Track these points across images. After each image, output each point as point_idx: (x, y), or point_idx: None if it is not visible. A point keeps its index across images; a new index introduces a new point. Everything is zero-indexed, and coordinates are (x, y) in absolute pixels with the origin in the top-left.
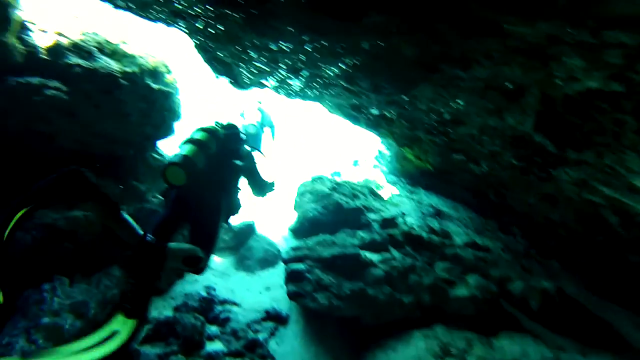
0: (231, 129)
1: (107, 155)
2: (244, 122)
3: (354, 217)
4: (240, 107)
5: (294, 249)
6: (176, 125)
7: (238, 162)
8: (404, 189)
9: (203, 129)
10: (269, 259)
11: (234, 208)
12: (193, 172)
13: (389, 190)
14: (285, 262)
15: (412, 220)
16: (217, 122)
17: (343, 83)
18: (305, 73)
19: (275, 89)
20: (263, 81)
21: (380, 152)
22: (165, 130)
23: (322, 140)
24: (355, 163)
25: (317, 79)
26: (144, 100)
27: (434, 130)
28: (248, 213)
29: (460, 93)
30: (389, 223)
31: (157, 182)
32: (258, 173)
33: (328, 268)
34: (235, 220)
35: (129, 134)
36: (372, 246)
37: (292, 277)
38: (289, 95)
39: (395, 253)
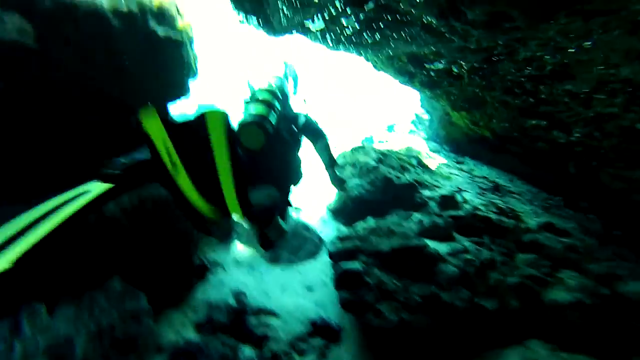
0: (281, 89)
1: (97, 123)
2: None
3: (407, 195)
4: (266, 61)
5: (342, 239)
6: (192, 84)
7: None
8: (449, 158)
9: (266, 90)
10: (307, 248)
11: (297, 177)
12: (270, 134)
13: (433, 160)
14: (334, 257)
15: (471, 197)
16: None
17: (430, 19)
18: (370, 5)
19: (320, 34)
20: (306, 22)
21: (417, 116)
22: (176, 89)
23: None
24: (390, 128)
25: (386, 15)
26: (146, 49)
27: (517, 89)
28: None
29: (599, 29)
30: (448, 202)
31: None
32: (317, 124)
33: (388, 266)
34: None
35: (128, 95)
36: (434, 233)
37: (345, 281)
38: (334, 43)
39: (465, 242)
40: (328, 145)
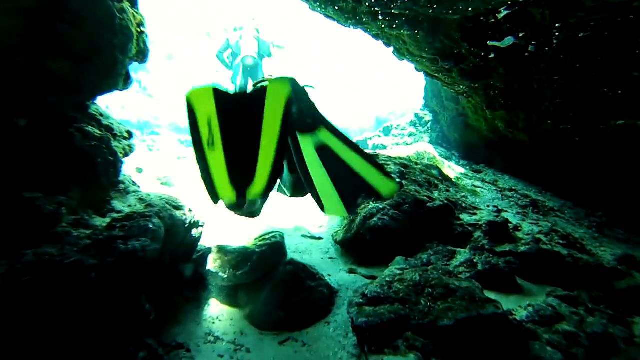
0: None
1: None
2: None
3: (442, 221)
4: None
5: (371, 299)
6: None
7: None
8: (464, 167)
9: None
10: (313, 304)
11: None
12: None
13: (452, 170)
14: (364, 337)
15: (518, 221)
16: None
17: None
18: None
19: None
20: None
21: (418, 117)
22: (103, 71)
23: (334, 99)
24: (387, 131)
25: None
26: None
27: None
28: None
29: None
30: (498, 231)
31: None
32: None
33: (451, 350)
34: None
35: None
36: (495, 281)
37: None
38: (345, 19)
39: (550, 300)
40: None
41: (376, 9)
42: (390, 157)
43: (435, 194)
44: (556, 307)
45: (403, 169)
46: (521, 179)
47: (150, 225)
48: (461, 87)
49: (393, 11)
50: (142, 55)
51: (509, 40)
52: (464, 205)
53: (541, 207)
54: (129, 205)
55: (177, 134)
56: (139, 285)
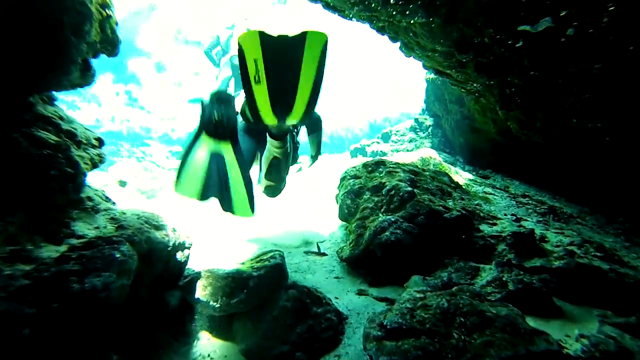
0: None
1: None
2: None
3: (461, 234)
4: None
5: (391, 330)
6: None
7: None
8: (471, 172)
9: None
10: (319, 334)
11: None
12: None
13: (460, 177)
14: None
15: (542, 231)
16: None
17: None
18: None
19: None
20: None
21: (418, 121)
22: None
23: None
24: (386, 137)
25: None
26: None
27: None
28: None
29: None
30: (525, 243)
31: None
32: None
33: None
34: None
35: None
36: (529, 303)
37: None
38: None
39: (608, 330)
40: (321, 139)
41: None
42: (398, 163)
43: (450, 203)
44: (618, 339)
45: (413, 176)
46: (531, 184)
47: (118, 255)
48: (474, 85)
49: None
50: (110, 45)
51: (545, 22)
52: (481, 214)
53: (560, 214)
54: (97, 227)
55: (167, 145)
56: (101, 335)
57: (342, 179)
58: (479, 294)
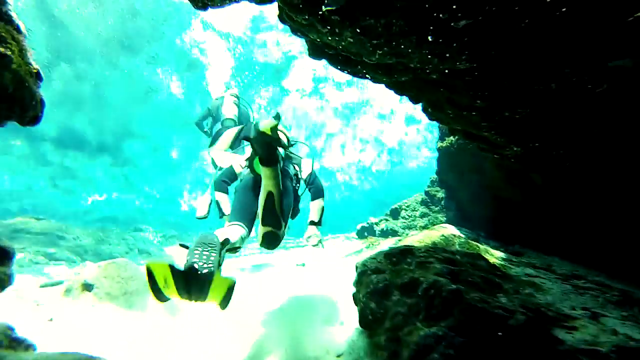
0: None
1: None
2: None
3: (534, 347)
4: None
5: None
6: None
7: None
8: (500, 249)
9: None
10: None
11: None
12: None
13: (493, 258)
14: None
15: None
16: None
17: None
18: None
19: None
20: None
21: (429, 194)
22: None
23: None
24: (396, 213)
25: None
26: None
27: None
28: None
29: None
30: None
31: None
32: (320, 181)
33: None
34: None
35: None
36: None
37: None
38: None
39: None
40: (323, 206)
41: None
42: (429, 251)
43: (503, 300)
44: None
45: (452, 267)
46: (571, 259)
47: None
48: (515, 149)
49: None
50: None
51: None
52: (549, 312)
53: (634, 302)
54: None
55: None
56: None
57: (361, 274)
58: None
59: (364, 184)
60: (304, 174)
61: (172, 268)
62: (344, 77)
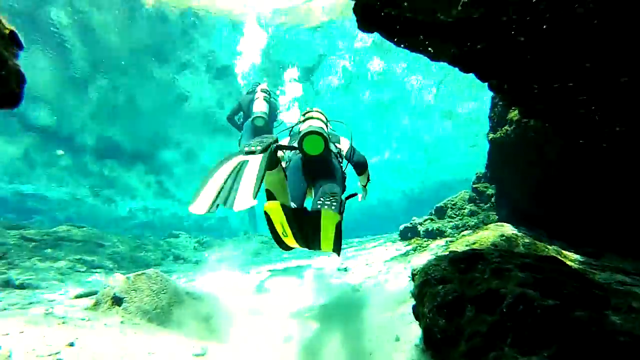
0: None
1: None
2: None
3: None
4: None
5: None
6: None
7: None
8: (571, 251)
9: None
10: None
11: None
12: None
13: (572, 262)
14: None
15: None
16: None
17: None
18: None
19: None
20: None
21: (477, 190)
22: None
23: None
24: (441, 212)
25: None
26: None
27: None
28: None
29: None
30: None
31: None
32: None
33: None
34: None
35: None
36: None
37: None
38: None
39: None
40: (369, 173)
41: None
42: (503, 255)
43: (617, 320)
44: None
45: (537, 274)
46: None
47: None
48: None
49: None
50: None
51: None
52: None
53: None
54: None
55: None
56: None
57: (423, 285)
58: None
59: (399, 183)
60: (344, 150)
61: (284, 207)
62: (377, 73)
